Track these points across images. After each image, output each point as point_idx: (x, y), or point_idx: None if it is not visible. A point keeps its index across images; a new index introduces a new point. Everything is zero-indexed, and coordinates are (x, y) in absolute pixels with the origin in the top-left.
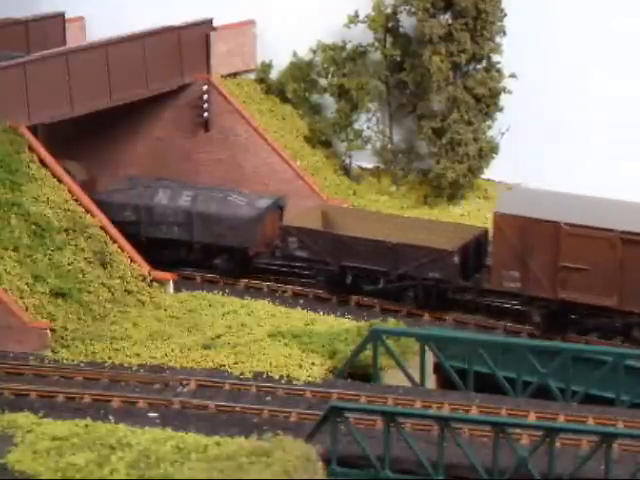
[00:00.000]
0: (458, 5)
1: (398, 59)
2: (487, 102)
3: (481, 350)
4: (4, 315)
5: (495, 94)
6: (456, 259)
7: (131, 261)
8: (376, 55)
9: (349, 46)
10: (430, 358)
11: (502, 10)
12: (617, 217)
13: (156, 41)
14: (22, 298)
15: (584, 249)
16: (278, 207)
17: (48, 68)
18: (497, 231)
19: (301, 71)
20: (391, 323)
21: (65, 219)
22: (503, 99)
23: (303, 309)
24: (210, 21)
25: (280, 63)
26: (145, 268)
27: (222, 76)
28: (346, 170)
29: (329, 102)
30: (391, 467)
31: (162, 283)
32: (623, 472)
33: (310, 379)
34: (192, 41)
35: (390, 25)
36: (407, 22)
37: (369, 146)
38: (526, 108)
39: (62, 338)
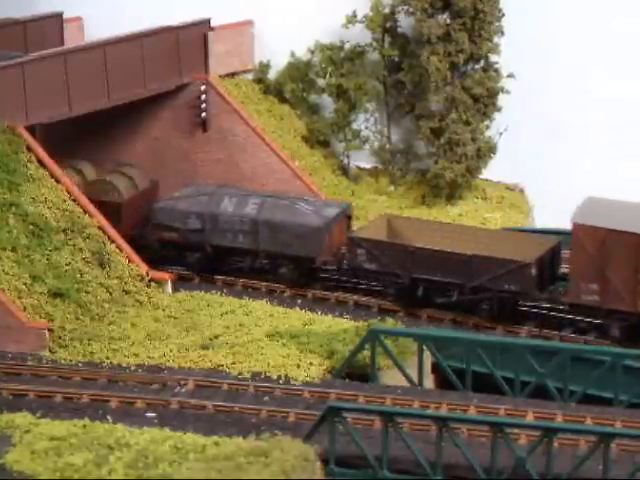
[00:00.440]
0: (456, 5)
1: (396, 59)
2: (485, 102)
3: (479, 350)
4: (2, 315)
5: (493, 94)
6: (533, 271)
7: (129, 261)
8: (374, 55)
9: (347, 46)
10: (428, 358)
11: (500, 10)
12: None
13: (154, 41)
14: (20, 298)
15: None
16: (345, 216)
17: (46, 68)
18: (576, 242)
19: (299, 71)
20: (389, 323)
21: (63, 219)
22: (501, 99)
23: (301, 309)
24: (208, 21)
25: (278, 63)
26: (143, 268)
27: (220, 76)
28: (344, 170)
29: (327, 102)
30: (389, 467)
31: (160, 283)
32: (621, 472)
33: (308, 379)
34: (190, 41)
35: (388, 25)
36: (405, 22)
37: (367, 146)
38: (524, 108)
39: (60, 338)
